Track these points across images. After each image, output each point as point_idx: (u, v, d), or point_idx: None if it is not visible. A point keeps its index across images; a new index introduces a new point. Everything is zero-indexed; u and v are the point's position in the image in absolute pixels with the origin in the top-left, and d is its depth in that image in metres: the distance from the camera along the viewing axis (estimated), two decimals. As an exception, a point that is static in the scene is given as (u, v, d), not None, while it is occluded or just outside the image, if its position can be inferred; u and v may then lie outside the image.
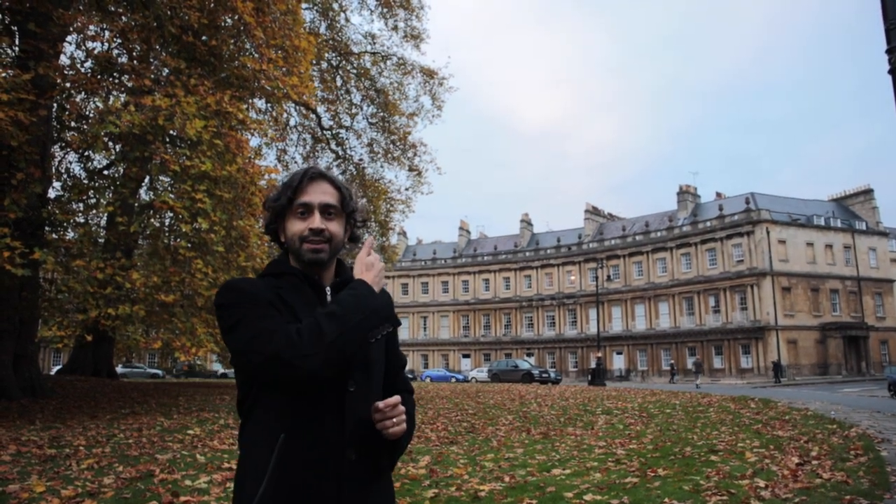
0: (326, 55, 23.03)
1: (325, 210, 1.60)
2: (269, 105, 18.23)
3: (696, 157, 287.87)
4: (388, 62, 25.04)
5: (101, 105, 11.52)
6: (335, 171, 1.76)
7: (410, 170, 25.06)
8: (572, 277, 63.96)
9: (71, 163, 15.12)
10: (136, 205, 12.83)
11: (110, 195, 12.48)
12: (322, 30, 23.56)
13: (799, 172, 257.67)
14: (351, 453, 1.48)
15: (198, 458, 7.48)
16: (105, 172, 14.28)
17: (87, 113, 12.46)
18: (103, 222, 15.02)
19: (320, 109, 24.06)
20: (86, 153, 13.31)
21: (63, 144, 13.24)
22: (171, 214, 11.41)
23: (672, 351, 55.68)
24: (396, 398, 1.50)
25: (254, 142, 17.48)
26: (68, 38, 13.07)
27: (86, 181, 13.43)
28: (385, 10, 23.68)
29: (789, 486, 5.99)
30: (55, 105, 11.81)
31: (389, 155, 24.80)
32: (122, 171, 13.29)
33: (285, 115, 21.73)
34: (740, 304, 52.00)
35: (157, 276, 10.48)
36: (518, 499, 5.69)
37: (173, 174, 10.46)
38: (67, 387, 17.12)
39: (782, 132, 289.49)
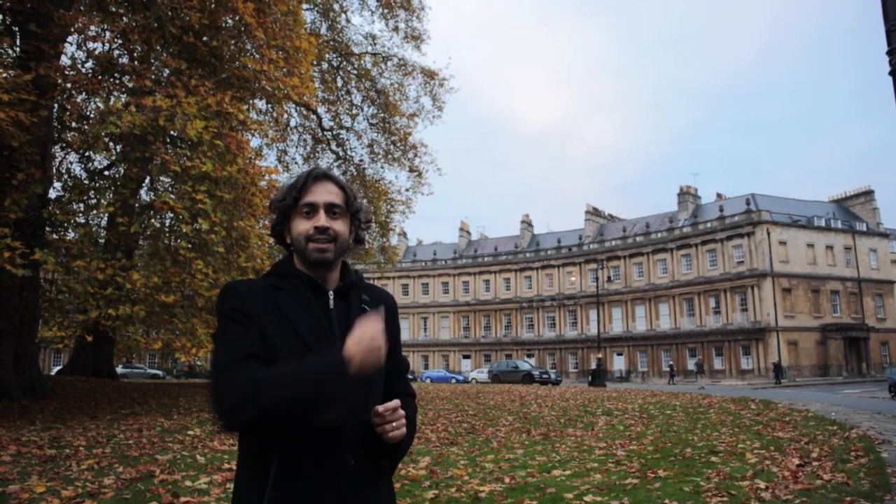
0: (327, 56, 23.03)
1: (330, 209, 1.61)
2: (269, 106, 18.24)
3: (696, 157, 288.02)
4: (389, 63, 25.07)
5: (101, 105, 11.54)
6: (336, 172, 1.73)
7: (411, 171, 25.07)
8: (573, 278, 63.95)
9: (72, 163, 15.15)
10: (137, 205, 12.84)
11: (111, 196, 12.49)
12: (323, 31, 23.58)
13: (799, 173, 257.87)
14: (350, 458, 1.48)
15: (198, 458, 7.48)
16: (106, 173, 14.29)
17: (88, 113, 12.47)
18: (104, 223, 15.04)
19: (321, 110, 24.08)
20: (86, 154, 13.32)
21: (64, 145, 13.25)
22: (172, 215, 11.42)
23: (672, 352, 55.66)
24: (396, 402, 1.49)
25: (254, 142, 17.51)
26: (69, 39, 13.08)
27: (86, 182, 13.45)
28: (386, 10, 23.70)
29: (790, 488, 5.98)
30: (56, 105, 11.82)
31: (390, 156, 24.80)
32: (122, 171, 13.30)
33: (286, 115, 21.76)
34: (741, 305, 51.98)
35: (157, 276, 10.48)
36: (518, 500, 5.68)
37: (174, 175, 10.46)
38: (68, 387, 17.12)
39: (783, 133, 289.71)
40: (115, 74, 12.35)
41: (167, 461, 7.22)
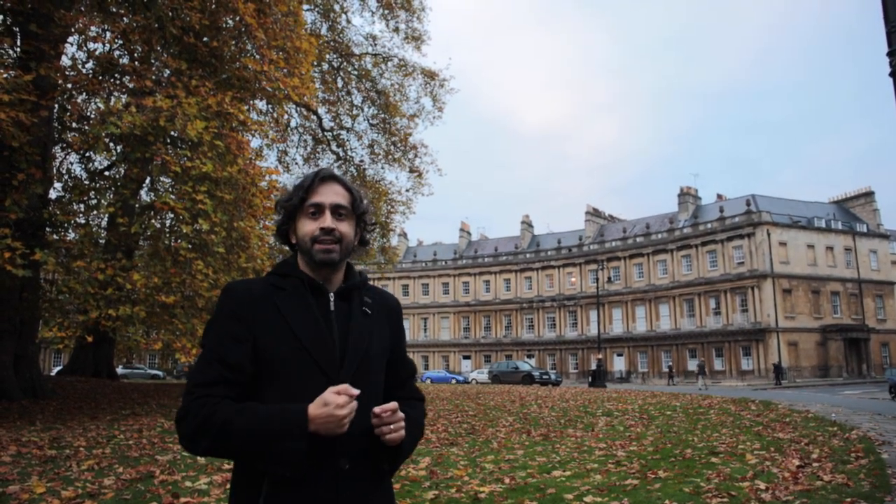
0: (327, 56, 23.04)
1: (336, 211, 1.61)
2: (270, 106, 18.24)
3: (696, 158, 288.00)
4: (389, 63, 25.07)
5: (102, 106, 11.54)
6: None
7: (411, 171, 25.06)
8: (573, 279, 63.95)
9: (72, 164, 15.17)
10: (137, 206, 12.84)
11: (111, 196, 12.50)
12: (323, 31, 23.58)
13: (800, 174, 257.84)
14: (344, 462, 1.48)
15: (198, 459, 7.47)
16: (106, 173, 14.30)
17: (89, 114, 12.48)
18: (104, 223, 15.04)
19: (321, 111, 24.08)
20: (87, 154, 13.33)
21: (64, 145, 13.26)
22: (172, 215, 11.42)
23: (672, 353, 55.66)
24: (394, 404, 1.49)
25: (255, 143, 17.52)
26: (70, 39, 13.09)
27: (87, 182, 13.45)
28: (386, 11, 23.70)
29: (790, 489, 5.98)
30: (56, 106, 11.83)
31: (390, 156, 24.79)
32: (122, 172, 13.30)
33: (286, 116, 21.73)
34: (741, 305, 51.98)
35: (157, 277, 10.48)
36: (518, 500, 5.68)
37: (174, 175, 10.47)
38: (68, 388, 17.12)
39: (783, 133, 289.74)
40: (116, 75, 12.35)
41: (167, 462, 7.22)
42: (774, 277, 50.09)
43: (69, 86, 11.40)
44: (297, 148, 24.96)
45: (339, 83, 24.66)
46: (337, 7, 23.65)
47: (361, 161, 24.89)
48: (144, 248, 13.64)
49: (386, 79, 25.09)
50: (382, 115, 24.43)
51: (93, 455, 7.52)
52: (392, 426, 1.48)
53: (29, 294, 12.84)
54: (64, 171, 14.36)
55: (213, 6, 11.88)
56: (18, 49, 11.77)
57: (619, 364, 59.38)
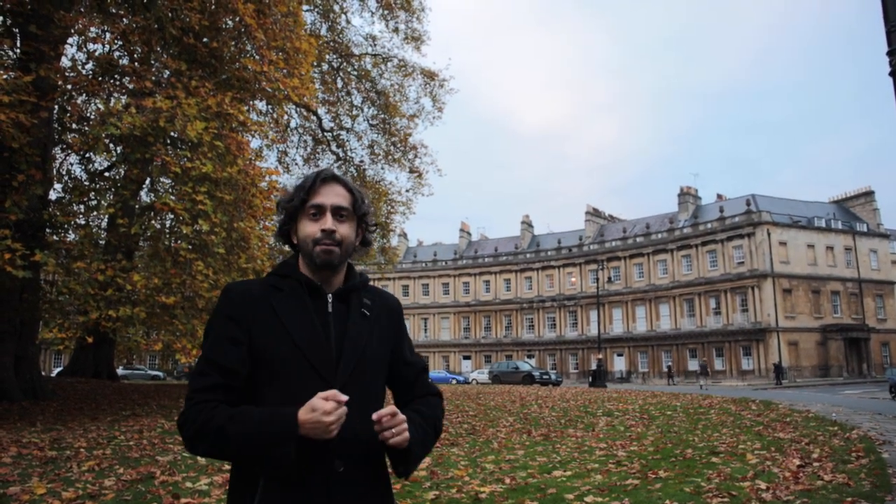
0: (327, 57, 23.04)
1: (337, 212, 1.60)
2: (269, 107, 18.24)
3: (696, 158, 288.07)
4: (389, 64, 25.06)
5: (102, 107, 11.54)
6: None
7: (411, 171, 25.05)
8: (573, 279, 63.94)
9: (72, 165, 15.17)
10: (137, 206, 12.84)
11: (111, 197, 12.50)
12: (323, 32, 23.58)
13: (799, 174, 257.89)
14: (339, 465, 1.47)
15: (198, 459, 7.46)
16: (106, 174, 14.30)
17: (88, 115, 12.48)
18: (104, 224, 15.03)
19: (321, 111, 24.07)
20: (87, 155, 13.33)
21: (64, 146, 13.26)
22: (172, 216, 11.43)
23: (673, 353, 55.66)
24: (391, 408, 1.48)
25: (254, 143, 17.52)
26: (69, 40, 13.09)
27: (87, 183, 13.45)
28: (386, 11, 23.69)
29: (790, 488, 5.98)
30: (56, 107, 11.83)
31: (390, 156, 24.79)
32: (122, 172, 13.30)
33: (286, 116, 21.73)
34: (741, 305, 51.97)
35: (157, 277, 10.48)
36: (519, 500, 5.68)
37: (174, 176, 10.47)
38: (68, 389, 17.11)
39: (783, 133, 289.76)
40: (116, 76, 12.35)
41: (168, 462, 7.22)
42: (774, 277, 50.09)
43: (69, 87, 11.40)
44: (296, 148, 24.98)
45: (339, 83, 24.66)
46: (336, 7, 23.66)
47: (361, 161, 24.90)
48: (144, 249, 13.64)
49: (386, 79, 25.11)
50: (382, 116, 24.42)
51: (93, 456, 7.51)
52: (394, 430, 1.46)
53: (29, 295, 12.83)
54: (64, 173, 14.36)
55: (213, 7, 11.88)
56: (18, 50, 11.77)
57: (619, 364, 59.37)
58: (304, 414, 1.39)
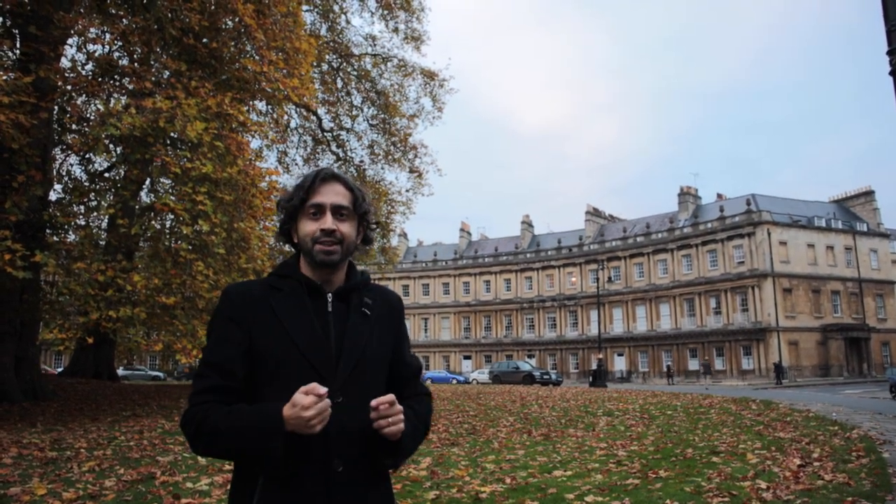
0: (327, 57, 23.04)
1: (337, 211, 1.60)
2: (269, 107, 18.25)
3: (696, 158, 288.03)
4: (389, 64, 25.07)
5: (101, 107, 11.54)
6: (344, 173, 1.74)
7: (411, 171, 25.06)
8: (573, 279, 63.95)
9: (72, 165, 15.15)
10: (137, 207, 12.85)
11: (111, 197, 12.50)
12: (323, 32, 23.59)
13: (799, 174, 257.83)
14: (337, 464, 1.47)
15: (199, 460, 7.47)
16: (106, 175, 14.30)
17: (88, 115, 12.48)
18: (104, 225, 15.04)
19: (321, 111, 24.07)
20: (87, 156, 13.33)
21: (64, 147, 13.26)
22: (172, 216, 11.43)
23: (673, 352, 55.66)
24: (390, 396, 1.46)
25: (254, 144, 17.55)
26: (69, 41, 13.10)
27: (87, 184, 13.45)
28: (385, 11, 23.70)
29: (791, 488, 5.98)
30: (56, 108, 11.83)
31: (390, 156, 24.80)
32: (122, 173, 13.31)
33: (286, 116, 21.74)
34: (741, 305, 51.98)
35: (158, 278, 10.49)
36: (519, 500, 5.68)
37: (174, 176, 10.47)
38: (68, 389, 17.12)
39: (783, 133, 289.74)
40: (115, 76, 12.35)
41: (168, 463, 7.22)
42: (775, 277, 50.09)
43: (69, 87, 11.41)
44: (296, 148, 24.99)
45: (339, 84, 24.67)
46: (336, 7, 23.66)
47: (361, 161, 24.90)
48: (145, 250, 13.64)
49: (385, 79, 25.12)
50: (382, 116, 24.43)
51: (94, 456, 7.52)
52: (390, 419, 1.45)
53: (29, 296, 12.84)
54: (64, 173, 14.35)
55: (213, 7, 11.88)
56: (18, 51, 11.77)
57: (619, 364, 59.38)
58: (287, 409, 1.39)
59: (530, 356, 63.37)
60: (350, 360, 1.54)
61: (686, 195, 60.67)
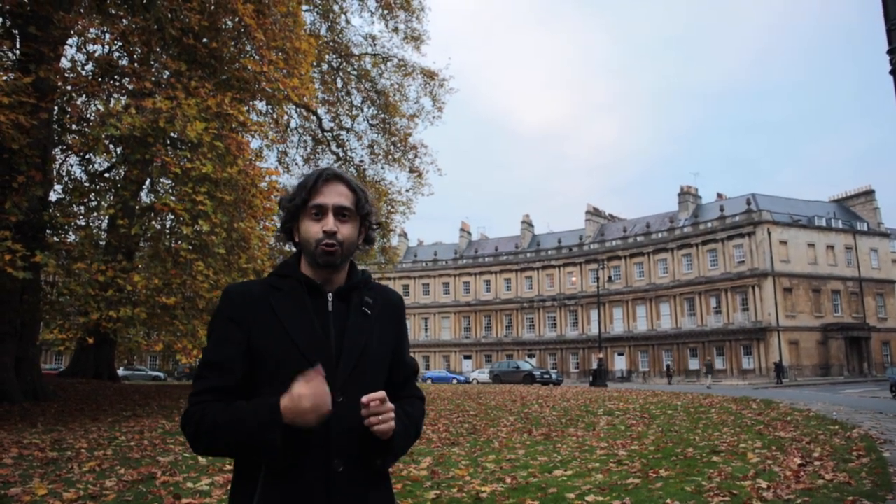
0: (327, 57, 23.03)
1: (340, 212, 1.59)
2: (269, 107, 18.25)
3: (696, 158, 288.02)
4: (389, 64, 25.07)
5: (101, 108, 11.54)
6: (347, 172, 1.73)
7: (411, 171, 25.06)
8: (573, 278, 63.94)
9: (72, 165, 15.15)
10: (137, 207, 12.84)
11: (111, 198, 12.50)
12: (322, 32, 23.59)
13: (799, 173, 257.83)
14: (338, 464, 1.46)
15: (199, 460, 7.47)
16: (106, 175, 14.30)
17: (88, 116, 12.48)
18: (104, 225, 15.04)
19: (321, 111, 24.08)
20: (87, 156, 13.33)
21: (64, 147, 13.25)
22: (172, 217, 11.43)
23: (673, 352, 55.65)
24: (381, 393, 1.46)
25: (254, 144, 17.55)
26: (69, 41, 13.09)
27: (87, 184, 13.45)
28: (385, 11, 23.70)
29: (791, 487, 5.98)
30: (56, 108, 11.83)
31: (390, 156, 24.80)
32: (122, 173, 13.31)
33: (286, 116, 21.74)
34: (741, 304, 51.96)
35: (158, 278, 10.49)
36: (520, 500, 5.68)
37: (174, 176, 10.47)
38: (69, 389, 17.12)
39: (783, 133, 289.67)
40: (115, 76, 12.35)
41: (169, 463, 7.22)
42: (775, 276, 50.08)
43: (69, 88, 11.41)
44: (296, 148, 25.00)
45: (339, 83, 24.67)
46: (336, 7, 23.66)
47: (361, 161, 24.90)
48: (145, 250, 13.65)
49: (385, 79, 25.12)
50: (382, 116, 24.43)
51: (94, 457, 7.52)
52: (381, 416, 1.44)
53: (29, 296, 12.84)
54: (64, 174, 14.34)
55: (213, 7, 11.88)
56: (18, 51, 11.77)
57: (620, 363, 59.37)
58: (284, 400, 1.39)
59: (531, 356, 63.35)
60: (350, 360, 1.53)
61: (686, 195, 60.64)
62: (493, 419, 13.69)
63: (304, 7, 20.41)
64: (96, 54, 13.06)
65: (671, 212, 62.08)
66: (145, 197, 13.99)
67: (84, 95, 12.24)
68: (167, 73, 11.90)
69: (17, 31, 11.84)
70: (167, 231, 13.03)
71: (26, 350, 14.25)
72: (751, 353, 50.54)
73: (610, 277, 56.56)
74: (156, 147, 10.06)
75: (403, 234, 73.83)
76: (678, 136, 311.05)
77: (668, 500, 5.57)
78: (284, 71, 12.45)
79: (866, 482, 6.20)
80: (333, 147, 24.94)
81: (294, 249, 1.69)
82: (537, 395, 21.98)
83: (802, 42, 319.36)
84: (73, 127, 12.50)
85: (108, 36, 12.57)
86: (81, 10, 11.96)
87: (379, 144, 24.93)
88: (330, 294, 1.60)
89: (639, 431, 11.35)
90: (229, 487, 1.58)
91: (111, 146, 11.10)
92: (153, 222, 12.93)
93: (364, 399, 1.44)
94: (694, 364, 53.73)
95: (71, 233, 12.78)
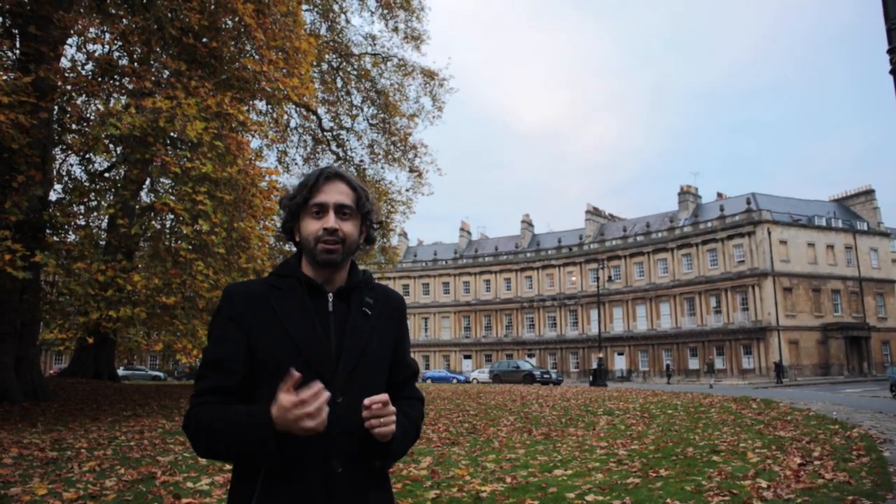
0: (327, 57, 23.03)
1: (340, 210, 1.59)
2: (269, 107, 18.25)
3: (696, 157, 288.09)
4: (389, 63, 25.06)
5: (101, 107, 11.54)
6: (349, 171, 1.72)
7: (411, 171, 25.06)
8: (573, 278, 63.93)
9: (72, 165, 15.15)
10: (137, 207, 12.85)
11: (111, 197, 12.49)
12: (322, 31, 23.58)
13: (799, 174, 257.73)
14: (337, 465, 1.46)
15: (199, 460, 7.47)
16: (106, 175, 14.30)
17: (88, 115, 12.47)
18: (104, 225, 15.03)
19: (321, 111, 24.07)
20: (87, 155, 13.32)
21: (64, 147, 13.25)
22: (172, 216, 11.42)
23: (673, 351, 55.65)
24: (384, 396, 1.45)
25: (254, 143, 17.53)
26: (69, 41, 13.09)
27: (87, 183, 13.45)
28: (385, 11, 23.69)
29: (791, 487, 5.98)
30: (56, 108, 11.83)
31: (390, 156, 24.80)
32: (122, 173, 13.31)
33: (286, 116, 21.74)
34: (741, 304, 51.95)
35: (158, 278, 10.49)
36: (520, 499, 5.68)
37: (174, 176, 10.47)
38: (69, 389, 17.12)
39: (783, 133, 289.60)
40: (115, 76, 12.35)
41: (169, 462, 7.22)
42: (775, 276, 50.07)
43: (69, 87, 11.40)
44: (296, 148, 24.98)
45: (339, 83, 24.66)
46: (336, 7, 23.65)
47: (361, 161, 24.90)
48: (145, 250, 13.65)
49: (385, 79, 25.11)
50: (382, 115, 24.43)
51: (94, 456, 7.52)
52: (382, 419, 1.44)
53: (29, 296, 12.84)
54: (64, 173, 14.34)
55: (213, 7, 11.88)
56: (18, 51, 11.77)
57: (619, 363, 59.37)
58: (273, 410, 1.36)
59: (530, 355, 63.34)
60: (350, 360, 1.53)
61: (686, 194, 60.63)
62: (493, 419, 13.69)
63: (304, 7, 20.41)
64: (96, 54, 13.06)
65: (671, 211, 62.07)
66: (145, 197, 13.99)
67: (84, 95, 12.23)
68: (167, 72, 11.89)
69: (16, 31, 11.84)
70: (167, 231, 13.03)
71: (26, 350, 14.24)
72: (751, 353, 50.54)
73: (610, 277, 56.56)
74: (156, 147, 10.05)
75: (403, 234, 73.82)
76: (678, 135, 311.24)
77: (668, 500, 5.57)
78: (284, 70, 12.44)
79: (866, 481, 6.20)
80: (333, 147, 24.94)
81: (295, 249, 1.69)
82: (537, 395, 21.99)
83: (802, 42, 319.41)
84: (73, 126, 12.50)
85: (107, 35, 12.56)
86: (81, 10, 11.96)
87: (379, 144, 24.94)
88: (330, 294, 1.59)
89: (639, 431, 11.35)
90: (229, 487, 1.58)
91: (111, 146, 11.10)
92: (153, 222, 12.93)
93: (366, 401, 1.43)
94: (694, 364, 53.73)
95: (71, 232, 12.77)
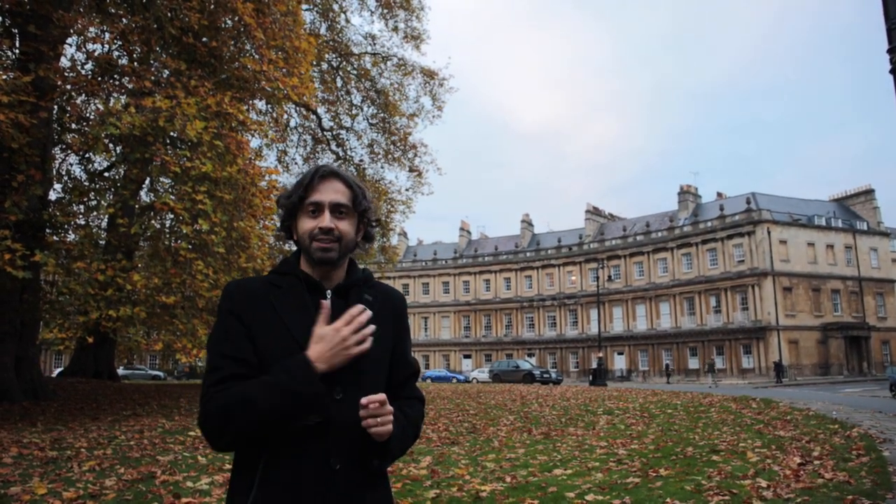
0: (327, 56, 23.04)
1: (336, 209, 1.59)
2: (269, 106, 18.24)
3: (696, 157, 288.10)
4: (389, 63, 25.07)
5: (101, 107, 11.53)
6: (345, 169, 1.72)
7: (411, 170, 25.07)
8: (573, 278, 63.94)
9: (72, 165, 15.16)
10: (137, 206, 12.84)
11: (111, 197, 12.50)
12: (322, 31, 23.58)
13: (799, 173, 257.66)
14: (335, 462, 1.46)
15: (199, 459, 7.48)
16: (106, 174, 14.30)
17: (88, 115, 12.47)
18: (104, 224, 15.04)
19: (321, 110, 24.08)
20: (86, 155, 13.33)
21: (64, 146, 13.26)
22: (172, 216, 11.43)
23: (673, 351, 55.66)
24: (381, 395, 1.45)
25: (254, 143, 17.53)
26: (69, 41, 13.08)
27: (86, 183, 13.45)
28: (385, 10, 23.70)
29: (791, 486, 5.98)
30: (56, 107, 11.83)
31: (390, 156, 24.81)
32: (122, 172, 13.30)
33: (286, 116, 21.74)
34: (741, 304, 51.97)
35: (157, 277, 10.49)
36: (520, 499, 5.68)
37: (174, 175, 10.47)
38: (69, 389, 17.12)
39: (783, 133, 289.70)
40: (115, 76, 12.35)
41: (168, 462, 7.22)
42: (775, 275, 50.08)
43: (68, 87, 11.40)
44: (296, 148, 24.99)
45: (339, 83, 24.66)
46: (336, 6, 23.66)
47: (361, 161, 24.90)
48: (144, 249, 13.65)
49: (385, 78, 25.12)
50: (382, 115, 24.43)
51: (94, 456, 7.52)
52: (379, 419, 1.43)
53: (29, 296, 12.84)
54: (63, 173, 14.34)
55: (212, 6, 11.87)
56: (17, 50, 11.77)
57: (619, 363, 59.39)
58: (315, 348, 1.43)
59: (530, 355, 63.36)
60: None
61: (686, 194, 60.65)
62: (492, 418, 13.70)
63: (304, 6, 20.41)
64: (96, 53, 13.06)
65: (671, 211, 62.09)
66: (145, 196, 14.00)
67: (84, 94, 12.23)
68: (167, 72, 11.89)
69: (16, 30, 11.84)
70: (167, 230, 13.03)
71: (26, 350, 14.24)
72: (750, 353, 50.56)
73: (610, 277, 56.57)
74: (155, 146, 10.05)
75: (403, 234, 73.77)
76: (678, 135, 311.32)
77: (668, 499, 5.58)
78: (284, 70, 12.44)
79: (866, 481, 6.20)
80: (333, 146, 24.95)
81: (295, 248, 1.69)
82: (537, 395, 21.99)
83: (802, 42, 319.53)
84: (73, 126, 12.50)
85: (107, 35, 12.56)
86: (81, 9, 11.95)
87: (379, 144, 24.95)
88: (329, 291, 1.60)
89: (638, 430, 11.36)
90: (227, 487, 1.58)
91: (111, 145, 11.10)
92: (153, 221, 12.94)
93: (363, 400, 1.43)
94: (694, 363, 53.76)
95: (70, 232, 12.77)
